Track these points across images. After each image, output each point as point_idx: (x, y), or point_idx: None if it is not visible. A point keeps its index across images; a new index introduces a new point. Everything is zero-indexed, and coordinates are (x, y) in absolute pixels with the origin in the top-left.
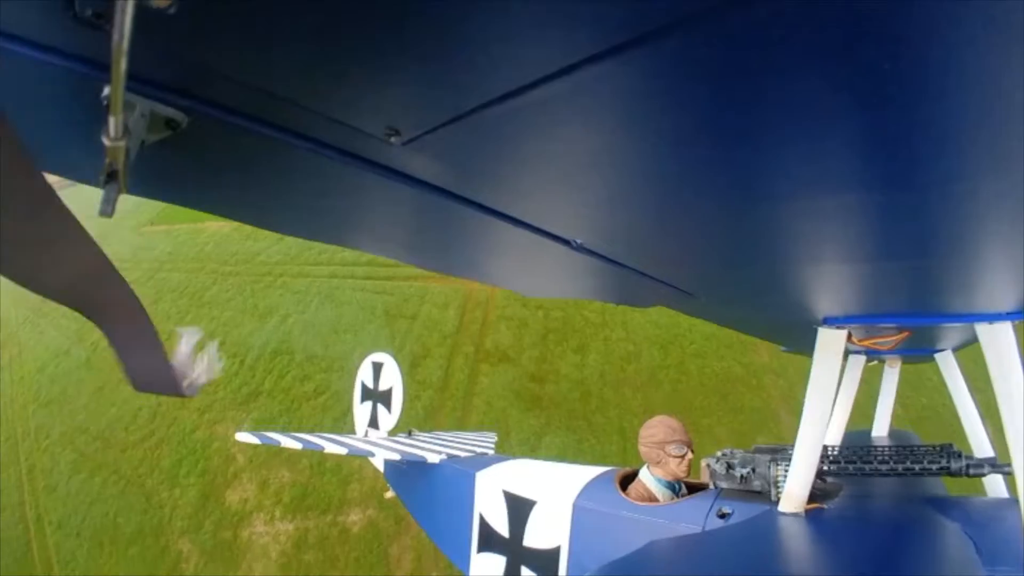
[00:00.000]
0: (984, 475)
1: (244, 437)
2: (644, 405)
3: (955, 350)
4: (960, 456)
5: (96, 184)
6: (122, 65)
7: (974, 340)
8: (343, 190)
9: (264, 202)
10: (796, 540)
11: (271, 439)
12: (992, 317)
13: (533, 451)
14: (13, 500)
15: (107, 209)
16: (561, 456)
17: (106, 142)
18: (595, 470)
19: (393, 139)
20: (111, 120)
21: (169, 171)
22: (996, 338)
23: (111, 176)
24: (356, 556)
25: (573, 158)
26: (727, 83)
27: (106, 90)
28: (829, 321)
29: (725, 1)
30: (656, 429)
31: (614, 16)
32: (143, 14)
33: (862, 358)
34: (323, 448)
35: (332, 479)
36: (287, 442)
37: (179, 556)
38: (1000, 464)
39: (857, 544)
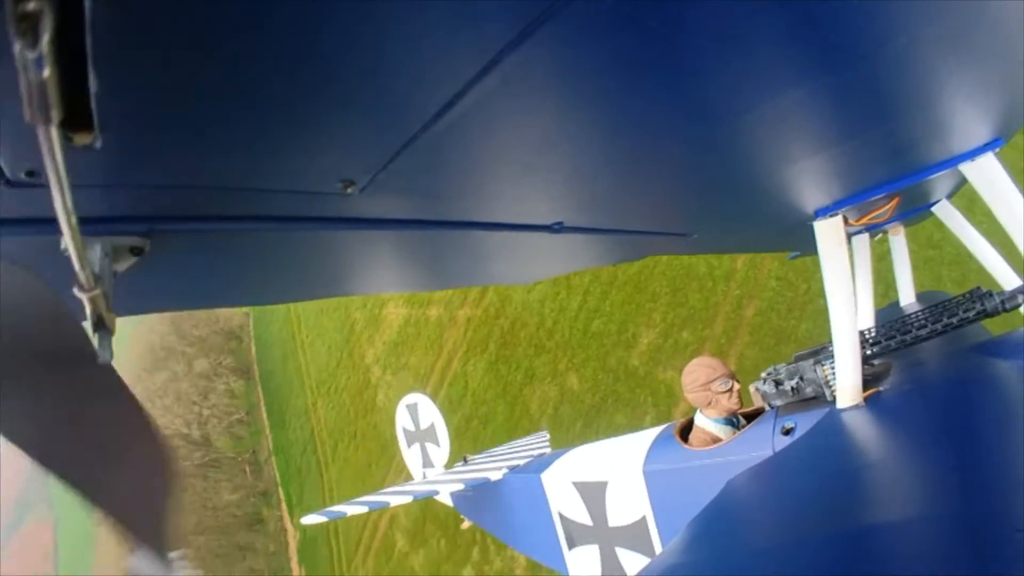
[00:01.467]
0: (1020, 304)
1: (309, 519)
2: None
3: (949, 197)
4: (991, 295)
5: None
6: (71, 212)
7: (964, 181)
8: (318, 251)
9: (246, 285)
10: (866, 429)
11: (335, 512)
12: (972, 154)
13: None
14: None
15: (106, 355)
16: None
17: (82, 296)
18: (652, 432)
19: (350, 190)
20: (80, 273)
21: (148, 288)
22: (983, 171)
23: (99, 323)
24: None
25: (530, 146)
26: (650, 21)
27: (63, 242)
28: (821, 212)
29: None
30: (697, 372)
31: (513, 1)
32: (73, 157)
33: (865, 236)
34: (388, 504)
35: None
36: (351, 509)
37: None
38: None
39: (925, 413)
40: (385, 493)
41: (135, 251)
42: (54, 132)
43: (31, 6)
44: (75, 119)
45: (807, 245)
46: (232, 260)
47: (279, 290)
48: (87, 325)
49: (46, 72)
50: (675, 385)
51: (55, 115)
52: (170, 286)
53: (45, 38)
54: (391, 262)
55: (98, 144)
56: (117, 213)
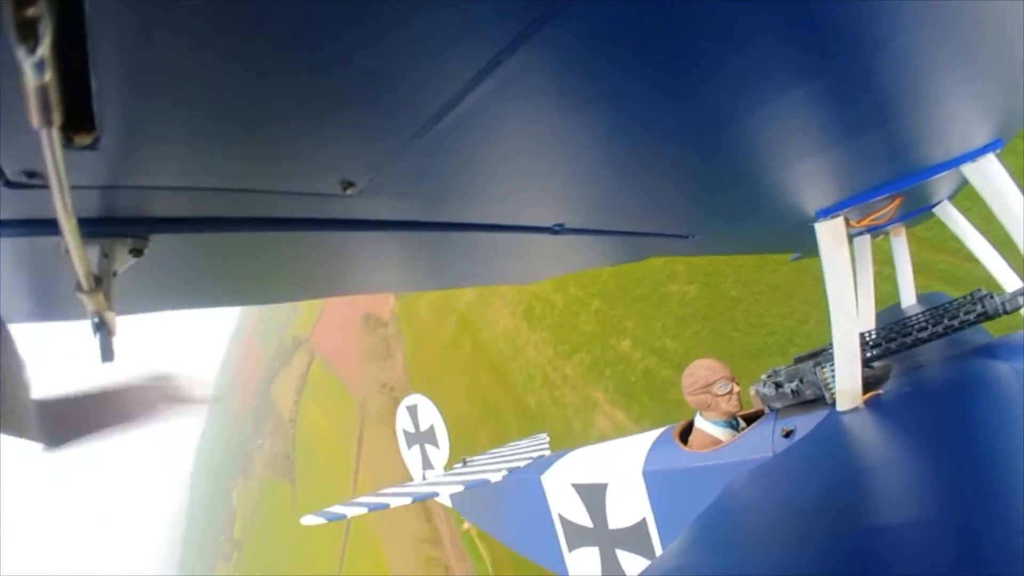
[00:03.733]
0: (1020, 306)
1: (309, 520)
2: None
3: (950, 198)
4: (992, 297)
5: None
6: (71, 214)
7: (965, 182)
8: (318, 252)
9: (247, 285)
10: (865, 432)
11: (336, 514)
12: (973, 155)
13: None
14: None
15: (108, 356)
16: None
17: (84, 298)
18: (652, 435)
19: (349, 191)
20: (81, 275)
21: (148, 290)
22: (984, 172)
23: (99, 324)
24: None
25: (528, 148)
26: (647, 22)
27: (63, 243)
28: (823, 213)
29: None
30: (696, 374)
31: (512, 3)
32: (73, 158)
33: (867, 238)
34: (388, 505)
35: None
36: (351, 511)
37: None
38: None
39: (925, 416)
40: (384, 495)
41: (134, 252)
42: (55, 134)
43: (31, 12)
44: (75, 120)
45: (809, 246)
46: (232, 261)
47: (280, 291)
48: (88, 326)
49: (47, 76)
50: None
51: (56, 118)
52: (170, 286)
53: (45, 42)
54: (392, 262)
55: (98, 145)
56: (116, 214)
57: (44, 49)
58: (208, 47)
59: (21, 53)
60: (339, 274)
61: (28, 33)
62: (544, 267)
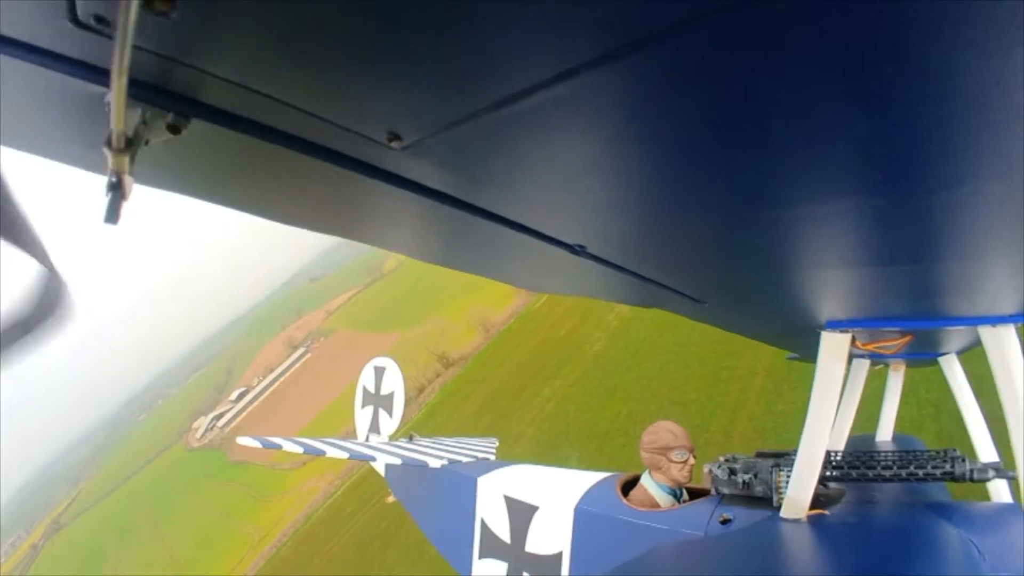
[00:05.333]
0: (988, 480)
1: (246, 441)
2: None
3: (959, 353)
4: (964, 461)
5: (99, 169)
6: (124, 71)
7: (977, 343)
8: (346, 192)
9: (268, 199)
10: (797, 546)
11: (272, 443)
12: (995, 320)
13: None
14: None
15: (113, 218)
16: None
17: (108, 154)
18: (596, 476)
19: (394, 144)
20: (114, 132)
21: (172, 167)
22: (999, 340)
23: (114, 185)
24: None
25: (575, 164)
26: (727, 87)
27: (109, 95)
28: (833, 325)
29: (724, 5)
30: (659, 434)
31: (613, 20)
32: (145, 19)
33: (866, 362)
34: (324, 452)
35: None
36: (288, 446)
37: None
38: (1004, 470)
39: (858, 551)
40: (324, 442)
41: (172, 128)
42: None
43: None
44: None
45: (809, 350)
46: (262, 170)
47: (295, 216)
48: (104, 183)
49: None
50: None
51: None
52: (196, 173)
53: None
54: (415, 226)
55: (174, 15)
56: (166, 86)
57: None
58: None
59: None
60: (358, 220)
61: None
62: (556, 283)
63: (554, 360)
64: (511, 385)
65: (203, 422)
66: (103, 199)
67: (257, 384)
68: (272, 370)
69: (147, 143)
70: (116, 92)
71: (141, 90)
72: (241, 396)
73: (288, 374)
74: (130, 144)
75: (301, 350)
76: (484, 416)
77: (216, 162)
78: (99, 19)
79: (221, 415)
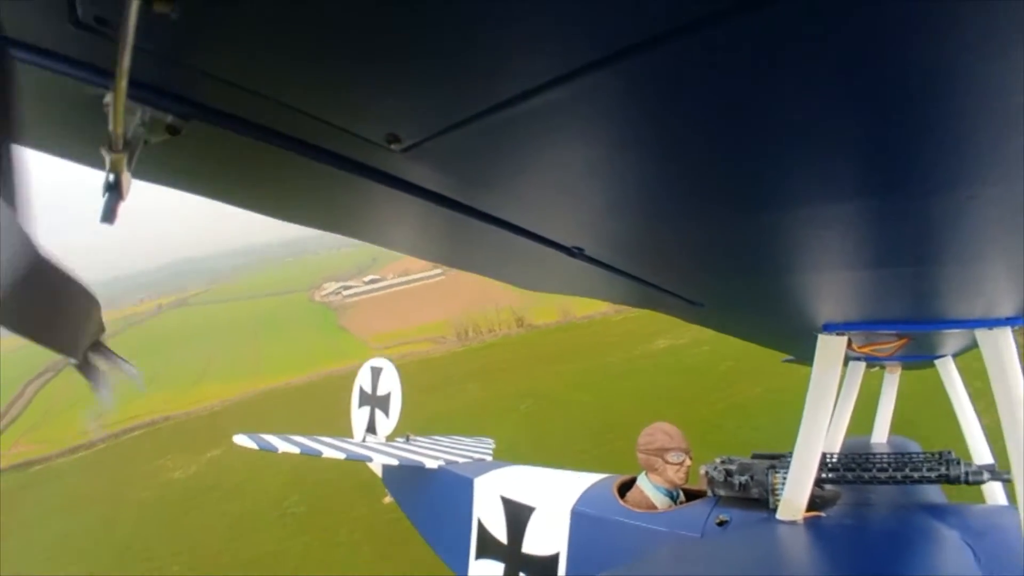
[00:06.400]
0: (983, 482)
1: (241, 440)
2: None
3: (955, 356)
4: (959, 463)
5: (97, 165)
6: (125, 74)
7: (974, 346)
8: (345, 193)
9: (268, 197)
10: (794, 548)
11: (268, 444)
12: (992, 323)
13: None
14: None
15: (110, 218)
16: None
17: (107, 154)
18: (593, 477)
19: (393, 146)
20: (113, 132)
21: (170, 164)
22: (996, 344)
23: (112, 185)
24: None
25: (572, 167)
26: (726, 91)
27: (108, 97)
28: (829, 328)
29: (724, 8)
30: (655, 436)
31: (612, 23)
32: (145, 19)
33: (862, 365)
34: (321, 452)
35: None
36: (284, 447)
37: None
38: (999, 472)
39: (854, 553)
40: (321, 442)
41: (171, 130)
42: (135, 5)
43: None
44: None
45: (805, 353)
46: (259, 171)
47: (294, 213)
48: (102, 183)
49: None
50: None
51: None
52: (195, 171)
53: None
54: (410, 226)
55: (174, 16)
56: (167, 87)
57: None
58: None
59: None
60: (360, 220)
61: None
62: (554, 283)
63: (606, 357)
64: (550, 366)
65: (332, 286)
66: (101, 198)
67: (390, 279)
68: (408, 274)
69: (146, 143)
70: (116, 94)
71: (140, 91)
72: (372, 282)
73: (418, 284)
74: (128, 145)
75: (439, 270)
76: (516, 374)
77: (215, 161)
78: (100, 20)
79: (349, 287)
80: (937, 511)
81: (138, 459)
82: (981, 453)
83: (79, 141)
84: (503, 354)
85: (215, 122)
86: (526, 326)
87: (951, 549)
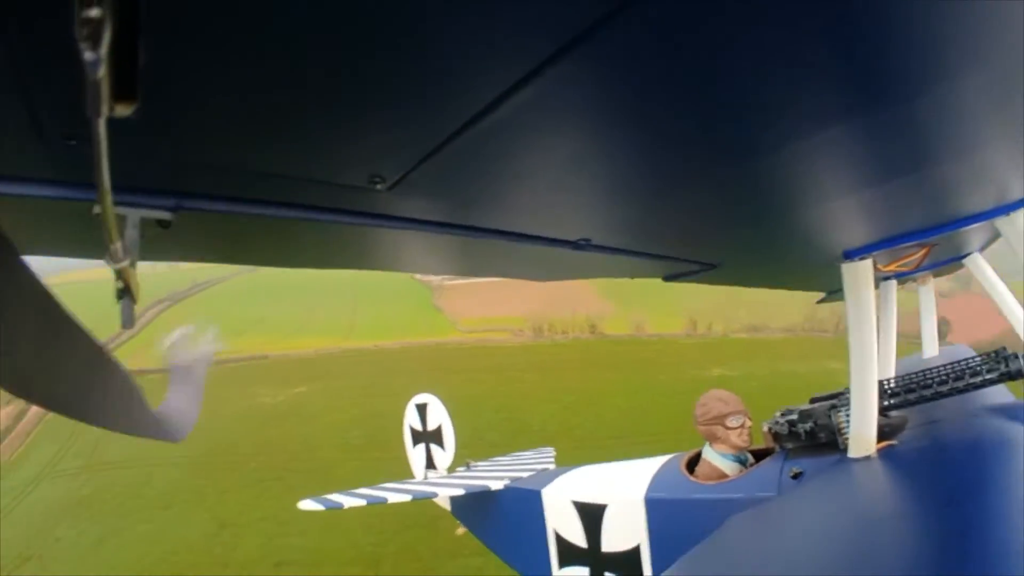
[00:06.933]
0: None
1: (307, 505)
2: None
3: (982, 250)
4: (1016, 357)
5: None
6: (106, 187)
7: (997, 235)
8: (341, 238)
9: (270, 253)
10: (875, 484)
11: (334, 503)
12: (1008, 208)
13: None
14: None
15: (128, 323)
16: None
17: (111, 265)
18: (659, 461)
19: (379, 186)
20: (111, 246)
21: (171, 248)
22: (1017, 226)
23: (123, 292)
24: None
25: (559, 161)
26: (686, 51)
27: (96, 208)
28: (851, 254)
29: None
30: (709, 405)
31: (558, 14)
32: (111, 125)
33: (893, 283)
34: (386, 499)
35: None
36: (350, 502)
37: None
38: None
39: (937, 474)
40: (384, 489)
41: (162, 224)
42: (102, 125)
43: (93, 12)
44: (120, 89)
45: (835, 286)
46: (257, 236)
47: (301, 261)
48: (114, 292)
49: (101, 72)
50: None
51: (105, 110)
52: (195, 248)
53: (104, 44)
54: (416, 249)
55: (138, 116)
56: (148, 186)
57: (103, 49)
58: (253, 29)
59: (81, 48)
60: (361, 257)
61: (89, 33)
62: (563, 272)
63: (658, 375)
64: (602, 372)
65: None
66: (115, 308)
67: None
68: None
69: (142, 237)
70: (104, 208)
71: (124, 195)
72: None
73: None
74: (128, 252)
75: None
76: (570, 373)
77: (212, 237)
78: (69, 137)
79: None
80: (1008, 410)
81: (235, 384)
82: None
83: (87, 245)
84: (568, 355)
85: (204, 208)
86: (597, 333)
87: None
